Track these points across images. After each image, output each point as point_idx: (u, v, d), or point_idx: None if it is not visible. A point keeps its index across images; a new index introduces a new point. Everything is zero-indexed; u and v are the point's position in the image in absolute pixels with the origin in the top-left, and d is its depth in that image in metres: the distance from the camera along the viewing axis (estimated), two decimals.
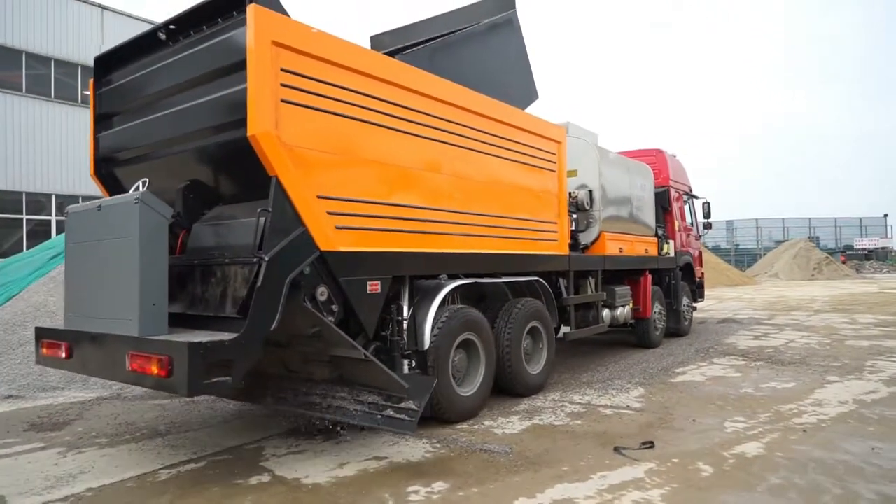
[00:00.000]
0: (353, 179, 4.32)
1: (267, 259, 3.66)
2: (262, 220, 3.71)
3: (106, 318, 3.87)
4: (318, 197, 4.04)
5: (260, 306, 3.60)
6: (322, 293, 4.03)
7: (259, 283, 3.60)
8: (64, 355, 4.19)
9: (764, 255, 37.59)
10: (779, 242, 39.29)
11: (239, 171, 4.13)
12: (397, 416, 3.86)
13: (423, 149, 4.89)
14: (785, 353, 8.20)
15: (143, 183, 4.25)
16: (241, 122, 3.79)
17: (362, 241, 4.34)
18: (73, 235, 4.24)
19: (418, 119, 4.81)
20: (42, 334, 4.43)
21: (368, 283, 4.34)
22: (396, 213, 4.62)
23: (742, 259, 39.83)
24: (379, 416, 3.92)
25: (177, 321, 3.95)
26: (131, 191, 4.26)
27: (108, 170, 4.98)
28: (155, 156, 4.54)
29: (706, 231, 11.42)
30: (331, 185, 4.14)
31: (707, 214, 11.15)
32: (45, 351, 4.37)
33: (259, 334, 3.60)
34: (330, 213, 4.11)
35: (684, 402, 5.54)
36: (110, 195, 4.95)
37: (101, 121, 4.96)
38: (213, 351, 3.38)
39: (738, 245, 42.89)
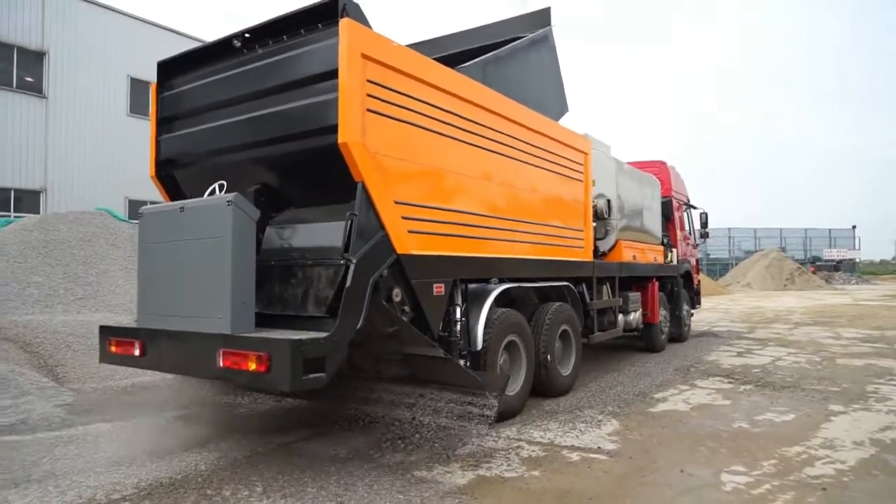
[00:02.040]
0: (423, 186, 4.52)
1: (355, 261, 3.82)
2: (350, 223, 3.86)
3: (190, 317, 3.97)
4: (396, 203, 4.22)
5: (349, 306, 3.76)
6: (397, 294, 4.21)
7: (349, 284, 3.75)
8: (138, 353, 4.26)
9: (735, 264, 38.59)
10: (749, 252, 40.32)
11: (316, 176, 4.27)
12: (476, 411, 4.04)
13: (480, 158, 5.12)
14: (774, 373, 7.33)
15: (221, 186, 4.36)
16: (328, 130, 3.96)
17: (429, 245, 4.54)
18: (148, 236, 4.32)
19: (478, 130, 5.05)
20: (109, 332, 4.50)
21: (434, 285, 4.53)
22: (457, 219, 4.84)
23: (714, 268, 40.88)
24: (457, 412, 4.09)
25: (255, 320, 4.06)
26: (207, 193, 4.36)
27: (169, 172, 5.07)
28: (223, 161, 4.65)
29: (703, 240, 11.87)
30: (405, 191, 4.34)
31: (704, 224, 11.61)
32: (113, 349, 4.43)
33: (348, 333, 3.75)
34: (404, 218, 4.29)
35: (668, 442, 4.51)
36: (170, 198, 5.04)
37: (164, 124, 5.05)
38: (311, 348, 3.52)
39: (709, 254, 44.05)
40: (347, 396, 4.71)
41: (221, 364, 3.70)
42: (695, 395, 6.20)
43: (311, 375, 3.53)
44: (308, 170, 4.28)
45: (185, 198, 4.87)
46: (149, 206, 4.47)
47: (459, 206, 4.88)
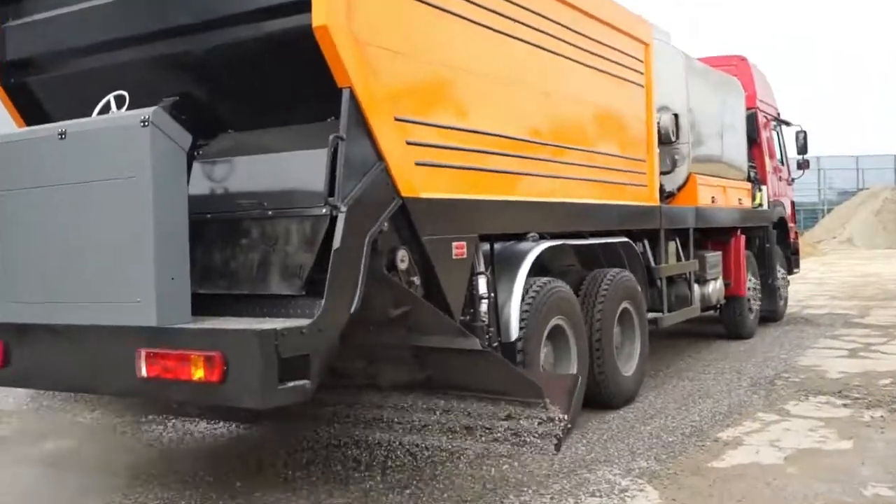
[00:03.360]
0: (433, 95, 4.53)
1: (345, 209, 3.80)
2: (334, 151, 3.83)
3: (86, 304, 3.91)
4: (396, 119, 4.21)
5: (339, 278, 3.75)
6: (403, 259, 4.22)
7: (338, 245, 3.74)
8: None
9: (828, 211, 39.58)
10: (847, 194, 41.23)
11: (272, 81, 4.22)
12: (531, 431, 4.11)
13: (510, 52, 5.16)
14: None
15: (120, 99, 4.25)
16: (291, 7, 3.90)
17: (445, 185, 4.57)
18: (8, 179, 4.21)
19: (506, 10, 5.05)
20: None
21: (454, 244, 4.56)
22: (481, 145, 4.87)
23: (796, 218, 41.86)
24: (502, 435, 4.16)
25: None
26: (98, 111, 4.25)
27: (22, 80, 4.95)
28: (114, 60, 4.56)
29: (801, 173, 12.24)
30: (409, 102, 4.33)
31: (802, 149, 11.97)
32: None
33: (340, 319, 3.76)
34: (409, 144, 4.29)
35: None
36: (25, 121, 4.92)
37: (9, 3, 4.89)
38: (289, 342, 3.51)
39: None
40: (322, 417, 4.73)
41: (144, 373, 3.68)
42: (789, 433, 5.53)
43: (291, 384, 3.54)
44: (258, 71, 4.23)
45: (48, 120, 4.76)
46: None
47: (483, 125, 4.89)
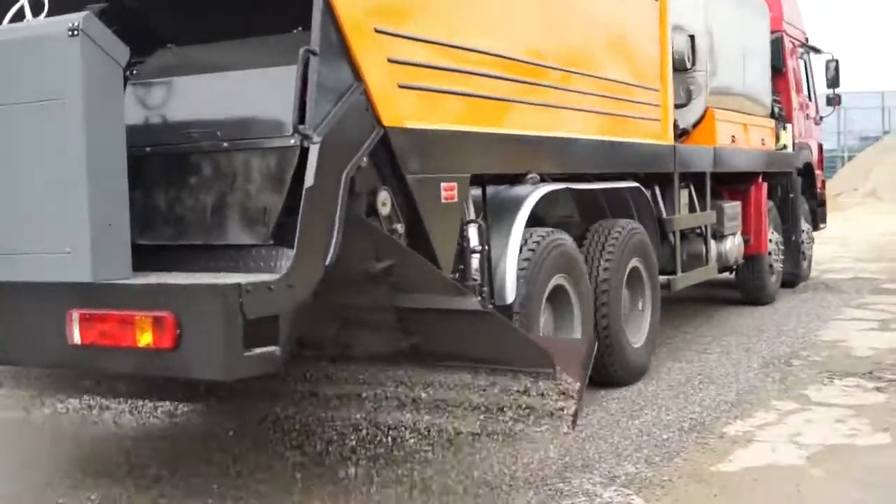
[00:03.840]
0: (419, 1, 4.46)
1: (319, 138, 3.70)
2: (304, 67, 3.71)
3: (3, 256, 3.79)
4: (377, 31, 4.11)
5: (311, 224, 3.66)
6: (384, 202, 4.14)
7: (310, 183, 3.64)
8: None
9: (849, 159, 40.03)
10: (870, 139, 41.65)
11: None
12: (540, 407, 4.08)
13: None
14: None
15: (38, 5, 4.07)
16: None
17: (432, 113, 4.50)
18: None
19: None
20: None
21: (443, 185, 4.50)
22: (474, 66, 4.80)
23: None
24: (505, 413, 4.12)
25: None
26: (9, 17, 4.08)
27: None
28: None
29: (831, 110, 12.38)
30: (392, 9, 4.26)
31: (833, 82, 12.12)
32: None
33: (313, 272, 3.68)
34: (391, 62, 4.19)
35: None
36: None
37: None
38: (255, 300, 3.42)
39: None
40: (284, 395, 4.66)
41: (78, 339, 3.59)
42: (811, 425, 5.35)
43: (257, 351, 3.47)
44: None
45: None
46: None
47: (476, 42, 4.81)
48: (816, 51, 12.02)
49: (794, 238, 10.61)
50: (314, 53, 3.74)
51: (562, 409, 4.07)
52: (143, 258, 3.91)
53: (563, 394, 4.09)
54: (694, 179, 8.03)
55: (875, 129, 43.85)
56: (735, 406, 5.83)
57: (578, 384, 4.14)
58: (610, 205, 6.74)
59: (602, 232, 6.28)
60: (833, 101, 12.40)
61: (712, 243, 8.34)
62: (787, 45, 10.88)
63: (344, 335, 4.49)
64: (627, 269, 6.46)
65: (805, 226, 11.17)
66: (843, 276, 12.46)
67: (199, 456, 5.01)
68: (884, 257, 14.79)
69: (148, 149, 4.11)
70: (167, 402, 5.42)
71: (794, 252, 10.66)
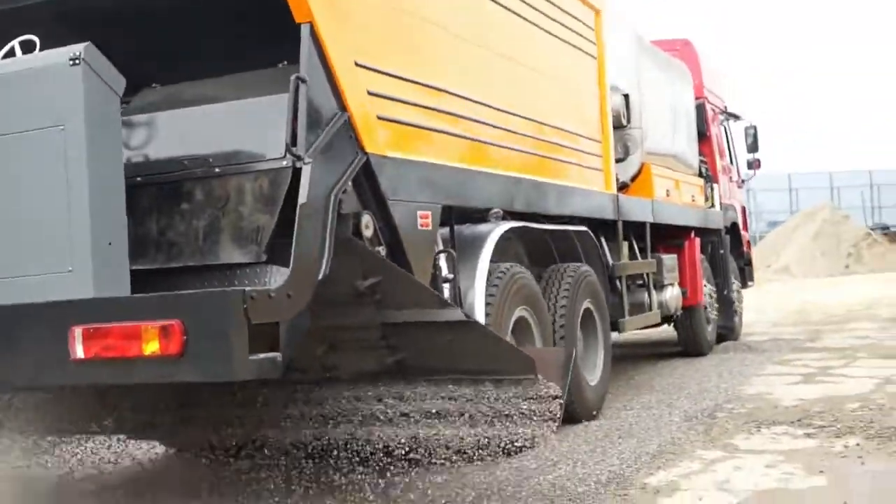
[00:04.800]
0: (395, 41, 4.75)
1: (310, 160, 3.93)
2: (295, 95, 3.96)
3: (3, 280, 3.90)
4: (357, 65, 4.38)
5: (305, 240, 3.86)
6: (367, 225, 4.35)
7: (304, 200, 3.86)
8: None
9: (761, 238, 41.39)
10: (777, 224, 42.58)
11: (204, 21, 4.39)
12: (525, 411, 4.28)
13: (475, 6, 5.56)
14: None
15: (29, 44, 4.25)
16: None
17: (406, 144, 4.77)
18: None
19: None
20: None
21: (419, 213, 4.74)
22: (443, 104, 5.13)
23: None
24: (497, 417, 4.31)
25: None
26: (2, 55, 4.26)
27: None
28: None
29: (752, 174, 12.98)
30: (370, 46, 4.53)
31: (753, 147, 12.76)
32: None
33: (307, 287, 3.86)
34: (371, 94, 4.47)
35: None
36: None
37: None
38: (260, 306, 3.59)
39: None
40: (269, 419, 4.79)
41: (80, 354, 3.66)
42: (740, 472, 5.06)
43: (261, 355, 3.61)
44: (197, 12, 4.36)
45: None
46: None
47: (445, 82, 5.15)
48: (735, 117, 12.68)
49: (725, 293, 11.07)
50: (303, 81, 4.00)
51: (546, 411, 4.28)
52: (136, 283, 4.05)
53: (546, 397, 4.31)
54: (636, 230, 8.41)
55: (783, 211, 45.32)
56: (657, 457, 5.45)
57: (560, 387, 4.37)
58: (559, 248, 7.02)
59: (556, 274, 6.57)
60: (753, 164, 13.05)
61: (654, 292, 8.70)
62: (709, 111, 11.48)
63: (329, 357, 4.66)
64: (581, 310, 6.73)
65: (735, 282, 11.66)
66: (762, 338, 12.45)
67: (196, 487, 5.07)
68: (802, 322, 14.99)
69: (138, 179, 4.28)
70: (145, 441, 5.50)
71: (727, 306, 11.11)
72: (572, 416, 6.45)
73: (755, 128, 12.82)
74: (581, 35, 7.28)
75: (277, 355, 3.69)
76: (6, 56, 4.31)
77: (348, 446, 4.65)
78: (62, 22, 4.50)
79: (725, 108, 12.44)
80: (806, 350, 10.85)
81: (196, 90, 4.52)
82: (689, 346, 10.20)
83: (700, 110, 11.09)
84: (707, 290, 10.28)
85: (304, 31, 4.05)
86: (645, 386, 8.46)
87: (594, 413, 6.75)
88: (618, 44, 8.47)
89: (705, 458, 5.42)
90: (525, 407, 4.33)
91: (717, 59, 12.59)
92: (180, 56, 4.57)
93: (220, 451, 5.15)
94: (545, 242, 6.89)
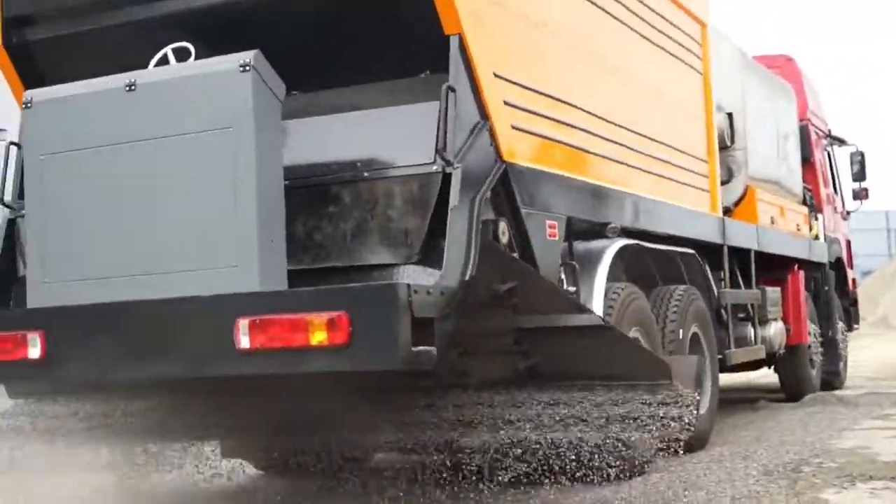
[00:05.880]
0: (529, 54, 5.57)
1: (460, 166, 4.71)
2: (445, 103, 4.74)
3: (163, 275, 4.66)
4: (496, 76, 5.16)
5: (455, 240, 4.63)
6: (503, 232, 5.11)
7: (456, 203, 4.63)
8: (36, 354, 4.85)
9: (859, 282, 41.02)
10: (874, 260, 42.50)
11: (355, 32, 5.16)
12: (661, 415, 4.97)
13: (587, 16, 6.27)
14: None
15: (183, 52, 5.07)
16: None
17: (535, 154, 5.55)
18: (47, 141, 4.97)
19: None
20: None
21: (547, 222, 5.49)
22: (568, 117, 5.92)
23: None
24: (631, 422, 4.99)
25: None
26: (154, 63, 5.07)
27: (26, 39, 5.78)
28: (150, 15, 5.41)
29: (859, 204, 13.55)
30: (507, 58, 5.33)
31: (859, 175, 13.24)
32: None
33: (458, 284, 4.61)
34: (507, 105, 5.24)
35: None
36: (24, 84, 5.69)
37: None
38: (422, 300, 4.33)
39: None
40: (406, 424, 5.53)
41: (246, 344, 4.40)
42: None
43: (421, 348, 4.34)
44: (340, 22, 5.17)
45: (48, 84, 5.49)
46: (40, 90, 5.10)
47: (572, 96, 5.96)
48: (841, 142, 13.21)
49: (830, 334, 11.46)
50: (453, 90, 4.79)
51: (680, 416, 4.98)
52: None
53: (680, 403, 5.01)
54: (740, 258, 9.07)
55: (880, 255, 43.76)
56: None
57: (696, 395, 5.06)
58: (661, 270, 7.67)
59: (663, 296, 7.27)
60: (860, 195, 13.45)
61: (757, 326, 9.29)
62: (813, 134, 12.06)
63: (463, 362, 5.37)
64: (690, 335, 7.39)
65: (840, 324, 12.06)
66: (857, 391, 12.07)
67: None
68: None
69: (286, 182, 5.01)
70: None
71: (832, 349, 11.48)
72: (685, 446, 7.13)
73: (862, 154, 13.22)
74: (688, 49, 8.03)
75: (433, 349, 4.43)
76: (160, 62, 5.16)
77: (479, 454, 5.32)
78: (208, 29, 5.27)
79: (829, 131, 12.97)
80: None
81: (335, 98, 5.26)
82: (791, 389, 10.66)
83: (804, 133, 11.67)
84: (812, 330, 10.75)
85: (454, 43, 4.85)
86: (717, 437, 8.04)
87: (704, 442, 7.32)
88: (721, 59, 9.12)
89: None
90: (661, 412, 5.02)
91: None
92: (319, 65, 5.30)
93: (346, 458, 5.89)
94: (647, 264, 7.55)
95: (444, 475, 5.52)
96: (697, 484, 6.00)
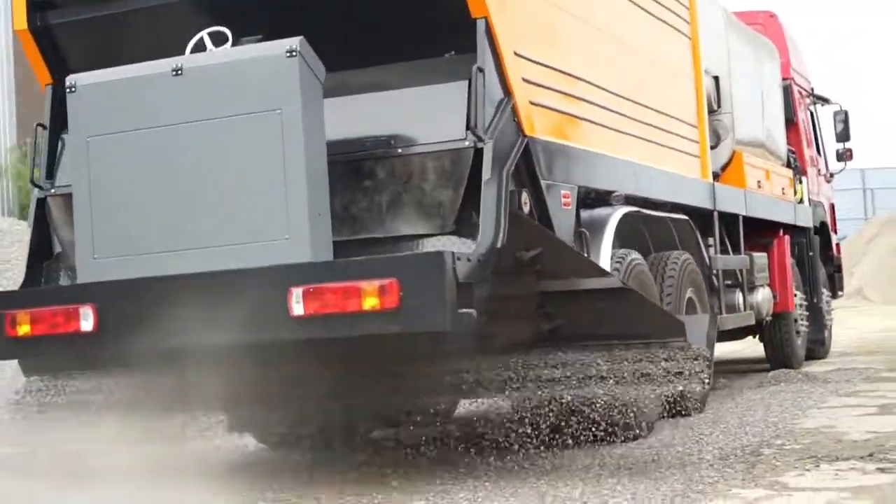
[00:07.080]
0: (543, 32, 6.68)
1: (490, 141, 5.82)
2: (475, 82, 5.84)
3: (218, 248, 5.66)
4: (516, 55, 6.27)
5: (488, 210, 5.75)
6: (525, 202, 6.22)
7: (488, 175, 5.74)
8: (89, 327, 5.88)
9: None
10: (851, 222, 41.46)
11: (386, 15, 6.21)
12: (679, 369, 6.06)
13: None
14: None
15: (220, 37, 6.05)
16: None
17: (550, 127, 6.66)
18: (94, 123, 5.94)
19: None
20: (18, 301, 6.09)
21: (562, 191, 6.63)
22: (579, 91, 7.05)
23: None
24: (654, 377, 6.05)
25: None
26: (191, 48, 6.07)
27: (51, 23, 6.72)
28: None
29: (842, 166, 14.72)
30: (526, 37, 6.42)
31: (843, 135, 14.38)
32: (18, 330, 6.02)
33: (492, 252, 5.73)
34: (525, 82, 6.36)
35: None
36: (48, 66, 6.67)
37: None
38: (464, 267, 5.42)
39: None
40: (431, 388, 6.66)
41: (301, 311, 5.45)
42: None
43: (464, 310, 5.40)
44: (371, 5, 6.22)
45: (77, 70, 6.46)
46: (83, 75, 6.08)
47: (580, 70, 7.09)
48: (824, 101, 14.28)
49: (815, 302, 12.58)
50: (481, 70, 5.89)
51: (698, 370, 6.10)
52: None
53: (696, 358, 6.12)
54: (729, 223, 10.24)
55: (855, 218, 44.07)
56: (682, 497, 5.56)
57: (705, 351, 6.18)
58: (654, 237, 8.75)
59: (661, 261, 8.44)
60: (844, 156, 14.57)
61: (746, 292, 10.49)
62: (796, 93, 13.13)
63: (487, 327, 6.20)
64: (685, 300, 8.55)
65: (825, 291, 13.22)
66: (826, 368, 12.60)
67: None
68: (880, 350, 15.27)
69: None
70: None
71: (817, 317, 12.62)
72: (680, 410, 8.31)
73: (846, 113, 14.25)
74: (677, 14, 9.18)
75: (474, 311, 5.54)
76: (196, 47, 6.15)
77: (505, 417, 6.38)
78: (237, 11, 6.26)
79: (812, 90, 14.03)
80: (883, 380, 11.16)
81: (364, 78, 6.26)
82: (777, 357, 11.81)
83: (787, 93, 12.71)
84: (798, 297, 11.88)
85: (481, 26, 5.93)
86: (663, 422, 8.30)
87: (702, 405, 8.56)
88: (706, 22, 10.15)
89: (745, 497, 5.49)
90: (676, 367, 6.12)
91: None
92: (350, 47, 6.27)
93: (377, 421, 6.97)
94: (642, 231, 8.63)
95: (449, 445, 6.56)
96: (645, 471, 6.42)
